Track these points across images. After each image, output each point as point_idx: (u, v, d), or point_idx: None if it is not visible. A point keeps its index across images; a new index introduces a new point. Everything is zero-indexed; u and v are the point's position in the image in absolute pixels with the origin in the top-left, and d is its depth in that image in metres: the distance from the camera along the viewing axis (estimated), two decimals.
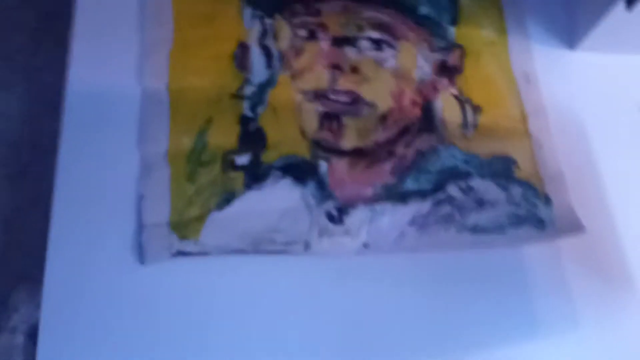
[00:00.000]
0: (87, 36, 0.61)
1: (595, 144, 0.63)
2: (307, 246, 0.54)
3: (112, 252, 0.52)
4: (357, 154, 0.59)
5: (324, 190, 0.56)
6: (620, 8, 0.59)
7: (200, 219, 0.54)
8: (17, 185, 0.77)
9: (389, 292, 0.55)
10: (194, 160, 0.56)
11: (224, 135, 0.58)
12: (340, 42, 0.63)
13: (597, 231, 0.59)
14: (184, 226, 0.53)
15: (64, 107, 0.57)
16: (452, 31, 0.67)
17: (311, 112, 0.60)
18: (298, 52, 0.63)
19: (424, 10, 0.67)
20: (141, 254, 0.52)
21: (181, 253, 0.52)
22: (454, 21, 0.67)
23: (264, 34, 0.63)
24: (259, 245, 0.53)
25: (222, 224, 0.54)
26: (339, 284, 0.54)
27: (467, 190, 0.59)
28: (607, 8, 0.61)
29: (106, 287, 0.51)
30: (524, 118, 0.63)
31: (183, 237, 0.53)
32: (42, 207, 0.66)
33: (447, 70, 0.64)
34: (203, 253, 0.52)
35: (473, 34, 0.67)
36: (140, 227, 0.53)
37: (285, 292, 0.53)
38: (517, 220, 0.58)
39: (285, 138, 0.58)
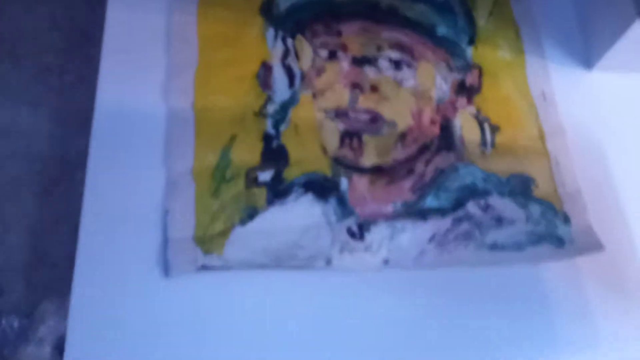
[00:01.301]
0: (115, 57, 0.63)
1: (613, 162, 0.64)
2: (328, 262, 0.55)
3: (138, 265, 0.53)
4: (378, 172, 0.60)
5: (345, 207, 0.57)
6: (636, 28, 0.60)
7: (224, 234, 0.55)
8: (45, 201, 0.79)
9: (409, 308, 0.55)
10: (218, 176, 0.57)
11: (247, 153, 0.59)
12: (360, 61, 0.65)
13: (615, 249, 0.59)
14: (208, 241, 0.54)
15: (92, 125, 0.59)
16: (470, 51, 0.68)
17: (332, 130, 0.61)
18: (319, 71, 0.64)
19: (441, 30, 0.68)
20: (166, 267, 0.53)
21: (205, 267, 0.53)
22: (472, 41, 0.68)
23: (286, 54, 0.65)
24: (281, 261, 0.54)
25: (246, 239, 0.55)
26: (359, 298, 0.55)
27: (486, 208, 0.59)
28: (624, 28, 0.62)
29: (132, 299, 0.52)
30: (542, 137, 0.64)
31: (207, 251, 0.54)
32: (69, 223, 0.68)
33: (466, 90, 0.65)
34: (227, 267, 0.53)
35: (490, 54, 0.68)
36: (165, 242, 0.54)
37: (307, 307, 0.54)
38: (536, 238, 0.58)
39: (307, 155, 0.60)
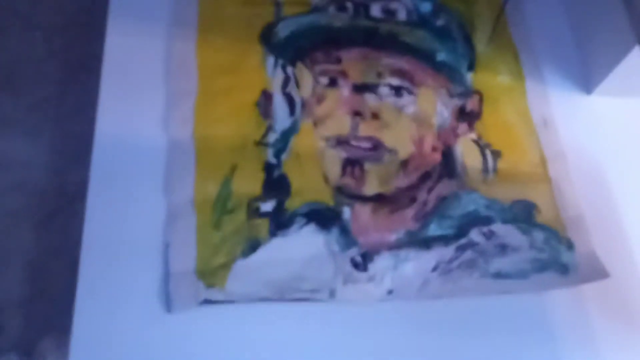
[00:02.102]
0: (114, 86, 0.63)
1: (614, 187, 0.64)
2: (332, 293, 0.54)
3: (139, 300, 0.53)
4: (380, 200, 0.60)
5: (347, 237, 0.57)
6: (635, 53, 0.60)
7: (226, 266, 0.54)
8: (43, 234, 0.78)
9: (413, 338, 0.55)
10: (220, 207, 0.57)
11: (248, 183, 0.59)
12: (360, 88, 0.65)
13: (620, 275, 0.59)
14: (210, 274, 0.54)
15: (92, 155, 0.59)
16: (470, 77, 0.68)
17: (334, 159, 0.61)
18: (320, 99, 0.64)
19: (441, 57, 0.68)
20: (168, 302, 0.52)
21: (208, 301, 0.52)
22: (471, 67, 0.69)
23: (286, 82, 0.64)
24: (284, 293, 0.54)
25: (248, 272, 0.54)
26: (363, 330, 0.54)
27: (489, 235, 0.59)
28: (622, 54, 0.62)
29: (134, 336, 0.52)
30: (543, 162, 0.64)
31: (209, 285, 0.53)
32: (67, 257, 0.67)
33: (466, 116, 0.65)
34: (229, 301, 0.53)
35: (490, 80, 0.68)
36: (167, 276, 0.53)
37: (311, 340, 0.53)
38: (540, 266, 0.58)
39: (308, 185, 0.59)
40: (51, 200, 0.79)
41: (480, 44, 0.70)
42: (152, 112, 0.62)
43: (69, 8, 0.92)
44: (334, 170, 0.60)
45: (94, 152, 0.59)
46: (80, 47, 0.90)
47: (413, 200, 0.60)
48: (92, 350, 0.51)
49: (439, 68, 0.68)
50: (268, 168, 0.60)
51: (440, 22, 0.71)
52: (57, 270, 0.74)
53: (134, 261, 0.54)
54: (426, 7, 0.71)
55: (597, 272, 0.58)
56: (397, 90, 0.65)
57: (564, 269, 0.58)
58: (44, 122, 0.84)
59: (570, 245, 0.60)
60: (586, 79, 0.69)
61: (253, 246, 0.55)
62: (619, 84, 0.66)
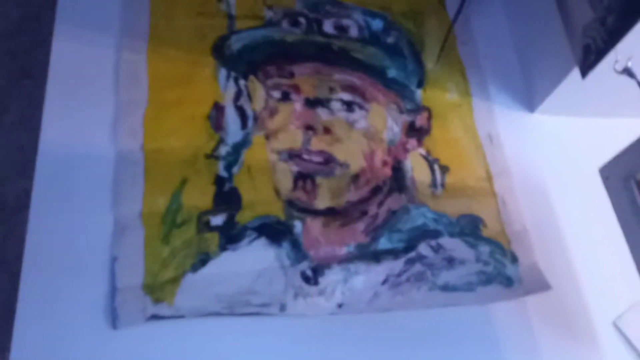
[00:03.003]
0: (60, 95, 0.61)
1: (556, 202, 0.66)
2: (282, 307, 0.54)
3: (84, 316, 0.51)
4: (331, 214, 0.60)
5: (298, 251, 0.57)
6: (575, 75, 0.63)
7: (175, 281, 0.53)
8: None
9: (363, 350, 0.55)
10: (169, 221, 0.56)
11: (199, 196, 0.58)
12: (313, 103, 0.65)
13: (561, 287, 0.61)
14: (158, 289, 0.53)
15: (35, 166, 0.57)
16: (419, 94, 0.70)
17: (285, 172, 0.61)
18: (272, 112, 0.64)
19: (392, 73, 0.70)
20: (114, 318, 0.51)
21: (155, 317, 0.51)
22: (421, 84, 0.70)
23: (238, 95, 0.64)
24: (234, 308, 0.53)
25: (198, 286, 0.54)
26: (314, 343, 0.54)
27: (437, 249, 0.60)
28: (563, 74, 0.65)
29: (78, 353, 0.50)
30: (489, 177, 0.66)
31: (157, 300, 0.52)
32: (5, 270, 0.64)
33: (416, 131, 0.67)
34: (178, 316, 0.52)
35: (439, 97, 0.70)
36: (113, 290, 0.52)
37: (262, 354, 0.53)
38: (486, 278, 0.60)
39: (260, 198, 0.59)
40: None
41: (430, 62, 0.71)
42: (99, 123, 0.61)
43: (13, 15, 0.89)
44: (286, 183, 0.60)
45: (38, 162, 0.57)
46: (24, 54, 0.87)
47: (364, 213, 0.61)
48: None
49: (389, 84, 0.69)
50: (219, 181, 0.59)
51: (390, 40, 0.72)
52: None
53: (79, 275, 0.53)
54: (377, 25, 0.73)
55: (540, 285, 0.60)
56: (349, 106, 0.66)
57: (508, 282, 0.60)
58: None
59: (514, 259, 0.61)
60: (529, 97, 0.72)
61: (203, 260, 0.55)
62: (560, 103, 0.69)
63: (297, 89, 0.66)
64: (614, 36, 0.54)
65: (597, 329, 0.60)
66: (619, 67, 0.56)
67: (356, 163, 0.63)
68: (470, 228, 0.62)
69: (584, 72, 0.60)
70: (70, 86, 0.62)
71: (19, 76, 0.85)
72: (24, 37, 0.88)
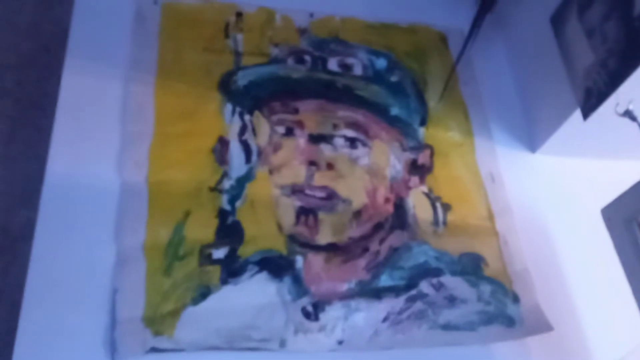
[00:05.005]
0: (68, 127, 0.62)
1: (557, 242, 0.66)
2: (282, 343, 0.54)
3: (83, 347, 0.51)
4: (333, 250, 0.60)
5: (300, 286, 0.57)
6: (576, 116, 0.64)
7: (176, 314, 0.53)
8: None
9: None
10: (171, 253, 0.56)
11: (201, 229, 0.58)
12: (316, 139, 0.66)
13: (562, 328, 0.60)
14: (158, 321, 0.52)
15: (41, 196, 0.57)
16: (422, 132, 0.70)
17: (288, 207, 0.61)
18: (276, 147, 0.65)
19: (395, 111, 0.71)
20: (113, 350, 0.50)
21: (155, 349, 0.51)
22: (423, 122, 0.71)
23: (243, 129, 0.65)
24: (234, 342, 0.53)
25: (198, 320, 0.53)
26: None
27: (439, 287, 0.60)
28: (564, 116, 0.66)
29: None
30: (491, 217, 0.66)
31: (157, 332, 0.52)
32: (7, 299, 0.64)
33: (418, 169, 0.67)
34: (177, 349, 0.51)
35: (441, 135, 0.71)
36: (113, 322, 0.52)
37: None
38: (487, 318, 0.59)
39: (262, 232, 0.59)
40: None
41: (432, 101, 0.73)
42: (105, 154, 0.61)
43: (23, 47, 0.91)
44: (288, 218, 0.61)
45: (43, 192, 0.57)
46: (33, 85, 0.88)
47: (365, 250, 0.61)
48: None
49: (392, 122, 0.70)
50: (222, 214, 0.59)
51: (394, 78, 0.73)
52: None
53: (80, 306, 0.52)
54: (381, 64, 0.74)
55: (542, 325, 0.60)
56: (352, 142, 0.67)
57: (510, 322, 0.60)
58: None
59: (516, 299, 0.61)
60: (531, 138, 0.73)
61: (204, 293, 0.55)
62: (561, 144, 0.70)
63: (301, 124, 0.67)
64: (615, 79, 0.55)
65: None
66: (620, 110, 0.57)
67: (358, 199, 0.63)
68: (471, 267, 0.62)
69: (586, 115, 0.61)
70: (78, 117, 0.63)
71: (27, 106, 0.86)
72: (33, 68, 0.90)
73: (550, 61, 0.68)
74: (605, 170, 0.70)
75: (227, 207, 0.60)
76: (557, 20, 0.66)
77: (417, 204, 0.65)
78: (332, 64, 0.72)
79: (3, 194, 0.79)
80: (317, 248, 0.60)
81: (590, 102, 0.60)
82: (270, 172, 0.63)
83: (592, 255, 0.65)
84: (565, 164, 0.71)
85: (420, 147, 0.69)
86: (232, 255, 0.57)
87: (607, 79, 0.57)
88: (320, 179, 0.64)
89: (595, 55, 0.59)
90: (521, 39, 0.77)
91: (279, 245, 0.59)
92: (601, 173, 0.70)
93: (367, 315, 0.57)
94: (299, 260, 0.58)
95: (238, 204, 0.60)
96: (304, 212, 0.61)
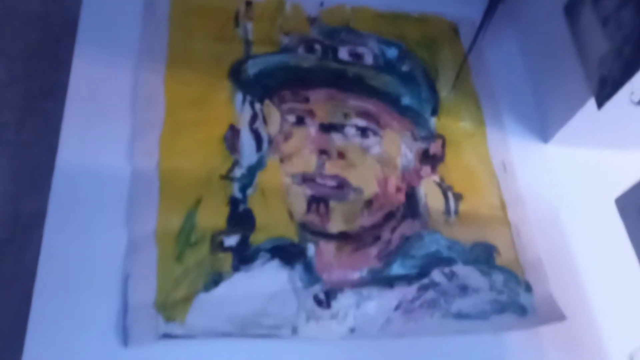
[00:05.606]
0: (78, 115, 0.62)
1: (570, 232, 0.66)
2: (294, 330, 0.54)
3: (95, 333, 0.51)
4: (344, 238, 0.60)
5: (311, 274, 0.57)
6: (589, 106, 0.63)
7: (187, 300, 0.53)
8: None
9: None
10: (183, 240, 0.56)
11: (213, 216, 0.58)
12: (327, 128, 0.66)
13: (575, 318, 0.60)
14: (170, 308, 0.52)
15: (51, 183, 0.57)
16: (433, 122, 0.70)
17: (299, 196, 0.61)
18: (287, 136, 0.64)
19: (406, 101, 0.70)
20: (126, 336, 0.50)
21: (167, 335, 0.51)
22: (435, 112, 0.71)
23: (254, 118, 0.65)
24: (246, 329, 0.53)
25: (209, 306, 0.53)
26: None
27: (451, 276, 0.60)
28: (577, 106, 0.65)
29: None
30: (503, 206, 0.66)
31: (169, 318, 0.52)
32: (18, 286, 0.64)
33: (430, 159, 0.67)
34: (189, 336, 0.51)
35: (453, 125, 0.70)
36: (125, 308, 0.52)
37: None
38: (500, 307, 0.59)
39: (273, 220, 0.59)
40: (4, 228, 0.76)
41: (444, 91, 0.72)
42: (116, 142, 0.61)
43: (33, 36, 0.91)
44: (299, 207, 0.60)
45: (54, 180, 0.57)
46: (43, 74, 0.88)
47: (377, 239, 0.60)
48: None
49: (403, 112, 0.69)
50: (233, 202, 0.59)
51: (405, 68, 0.73)
52: (8, 300, 0.70)
53: (91, 293, 0.52)
54: (392, 53, 0.73)
55: (554, 315, 0.59)
56: (363, 131, 0.67)
57: (522, 311, 0.59)
58: (1, 148, 0.81)
59: (528, 288, 0.61)
60: (543, 128, 0.72)
61: (215, 280, 0.54)
62: (574, 134, 0.69)
63: (312, 113, 0.66)
64: (630, 67, 0.55)
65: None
66: (636, 99, 0.57)
67: (370, 188, 0.63)
68: (484, 256, 0.62)
69: (600, 103, 0.60)
70: (88, 106, 0.62)
71: (37, 95, 0.86)
72: (43, 58, 0.90)
73: (563, 50, 0.67)
74: (618, 160, 0.70)
75: (238, 195, 0.60)
76: (571, 9, 0.66)
77: (429, 194, 0.65)
78: (343, 53, 0.72)
79: (14, 182, 0.78)
80: (329, 236, 0.59)
81: (604, 91, 0.59)
82: (281, 160, 0.63)
83: (605, 246, 0.64)
84: (578, 155, 0.71)
85: (432, 136, 0.69)
86: (243, 243, 0.57)
87: (623, 67, 0.57)
88: (331, 168, 0.64)
89: (610, 44, 0.59)
90: (534, 29, 0.76)
91: (291, 233, 0.59)
92: (614, 163, 0.70)
93: (379, 303, 0.57)
94: (311, 248, 0.58)
95: (249, 192, 0.60)
96: (315, 201, 0.61)
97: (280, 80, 0.68)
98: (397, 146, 0.67)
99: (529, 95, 0.75)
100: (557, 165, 0.70)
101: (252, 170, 0.62)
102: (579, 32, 0.64)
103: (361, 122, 0.67)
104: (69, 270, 0.53)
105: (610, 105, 0.60)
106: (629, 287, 0.61)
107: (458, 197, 0.65)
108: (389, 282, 0.58)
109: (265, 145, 0.63)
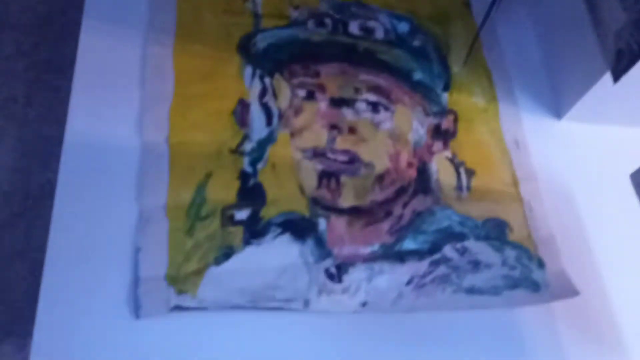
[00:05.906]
0: (87, 88, 0.61)
1: (583, 209, 0.65)
2: (306, 303, 0.53)
3: (106, 305, 0.51)
4: (355, 213, 0.59)
5: (322, 248, 0.56)
6: (604, 81, 0.62)
7: (199, 273, 0.53)
8: (4, 236, 0.74)
9: (386, 350, 0.54)
10: (193, 214, 0.56)
11: (223, 190, 0.57)
12: (338, 103, 0.65)
13: (588, 294, 0.60)
14: (181, 280, 0.52)
15: (61, 157, 0.57)
16: (445, 97, 0.69)
17: (310, 170, 0.60)
18: (297, 111, 0.64)
19: (417, 76, 0.69)
20: (137, 307, 0.50)
21: (178, 308, 0.51)
22: (447, 87, 0.70)
23: (263, 92, 0.64)
24: (258, 302, 0.52)
25: (221, 279, 0.53)
26: (337, 341, 0.53)
27: (463, 252, 0.59)
28: (592, 81, 0.64)
29: (99, 342, 0.49)
30: (515, 182, 0.65)
31: (180, 291, 0.51)
32: (29, 259, 0.64)
33: (441, 134, 0.66)
34: (201, 308, 0.51)
35: (465, 101, 0.69)
36: (136, 280, 0.51)
37: (284, 349, 0.52)
38: (512, 283, 0.59)
39: (284, 195, 0.58)
40: (14, 202, 0.76)
41: (456, 66, 0.71)
42: (125, 115, 0.60)
43: (40, 9, 0.90)
44: (310, 181, 0.60)
45: (63, 153, 0.57)
46: (50, 47, 0.87)
47: (388, 214, 0.60)
48: (54, 357, 0.48)
49: (415, 87, 0.69)
50: (243, 176, 0.59)
51: (416, 43, 0.72)
52: (19, 273, 0.70)
53: (102, 265, 0.52)
54: (403, 28, 0.72)
55: (567, 290, 0.59)
56: (374, 106, 0.66)
57: (535, 287, 0.59)
58: (10, 122, 0.81)
59: (541, 264, 0.60)
60: (557, 104, 0.71)
61: (227, 254, 0.54)
62: (588, 111, 0.68)
63: (322, 88, 0.66)
64: None
65: (626, 338, 0.59)
66: None
67: (381, 164, 0.63)
68: (496, 232, 0.62)
69: (617, 77, 0.59)
70: (97, 79, 0.62)
71: (44, 69, 0.85)
72: (50, 31, 0.89)
73: (578, 25, 0.66)
74: (633, 136, 0.69)
75: (249, 169, 0.59)
76: None
77: (441, 169, 0.64)
78: (353, 27, 0.71)
79: (23, 156, 0.78)
80: (340, 211, 0.59)
81: (621, 64, 0.58)
82: (292, 135, 0.62)
83: (619, 221, 0.64)
84: (592, 131, 0.70)
85: (444, 112, 0.68)
86: (254, 217, 0.57)
87: None
88: (342, 142, 0.63)
89: (627, 16, 0.58)
90: (547, 2, 0.75)
91: (302, 207, 0.58)
92: (629, 139, 0.69)
93: (390, 277, 0.56)
94: (322, 223, 0.58)
95: (259, 166, 0.60)
96: (326, 176, 0.61)
97: (290, 54, 0.67)
98: (408, 121, 0.66)
99: (543, 70, 0.74)
100: (571, 141, 0.69)
101: (263, 145, 0.61)
102: (595, 5, 0.63)
103: (372, 97, 0.66)
104: (79, 243, 0.53)
105: (625, 80, 0.59)
106: None
107: (470, 173, 0.64)
108: (401, 257, 0.58)
109: (275, 119, 0.63)
